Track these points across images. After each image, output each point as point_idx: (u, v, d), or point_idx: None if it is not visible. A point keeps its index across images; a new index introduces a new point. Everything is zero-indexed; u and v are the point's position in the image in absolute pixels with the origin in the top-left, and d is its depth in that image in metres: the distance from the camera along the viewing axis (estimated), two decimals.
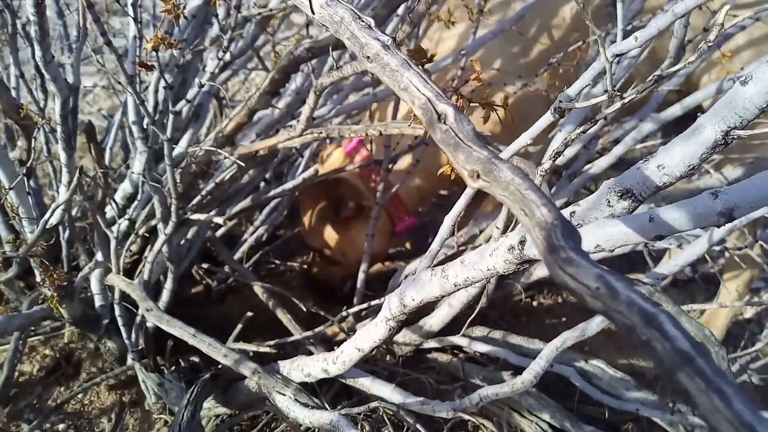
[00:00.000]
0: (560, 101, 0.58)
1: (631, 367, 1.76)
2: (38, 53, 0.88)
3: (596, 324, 1.01)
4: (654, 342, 0.27)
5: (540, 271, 1.54)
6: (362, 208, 1.64)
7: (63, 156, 1.06)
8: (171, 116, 1.02)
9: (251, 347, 1.32)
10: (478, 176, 0.36)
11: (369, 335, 0.88)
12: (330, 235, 1.71)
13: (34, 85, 1.30)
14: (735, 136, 0.48)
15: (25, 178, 0.93)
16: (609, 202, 0.54)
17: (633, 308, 0.28)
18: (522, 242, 0.56)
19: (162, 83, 1.04)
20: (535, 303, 2.01)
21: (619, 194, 0.53)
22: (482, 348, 1.49)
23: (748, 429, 0.24)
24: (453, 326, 1.59)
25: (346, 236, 1.70)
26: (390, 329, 0.83)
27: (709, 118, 0.49)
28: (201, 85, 1.01)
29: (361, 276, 1.58)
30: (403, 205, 1.70)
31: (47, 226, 0.84)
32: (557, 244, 0.32)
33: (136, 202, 1.28)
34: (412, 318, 1.64)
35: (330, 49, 0.95)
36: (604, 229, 0.50)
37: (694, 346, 0.26)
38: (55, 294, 0.94)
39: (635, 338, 0.28)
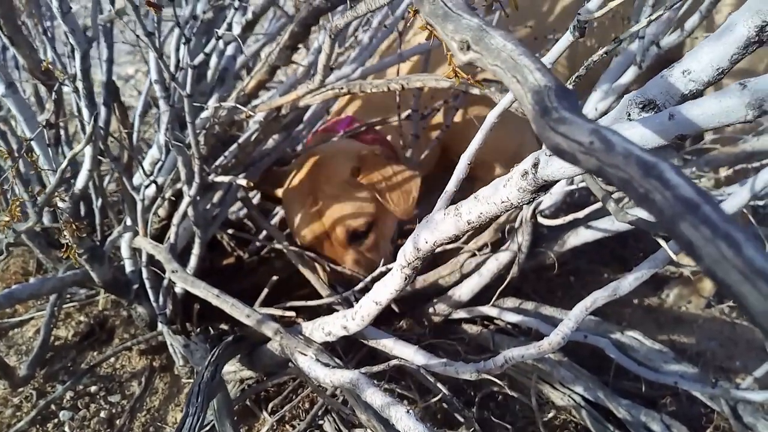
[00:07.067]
0: (579, 14, 0.54)
1: (672, 344, 1.68)
2: (54, 3, 0.88)
3: (629, 283, 0.95)
4: (653, 193, 0.23)
5: (574, 239, 1.48)
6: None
7: (86, 113, 1.07)
8: (190, 71, 1.01)
9: (276, 311, 1.31)
10: (468, 47, 0.33)
11: (385, 287, 0.86)
12: None
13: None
14: None
15: (45, 130, 0.94)
16: (630, 115, 0.49)
17: (630, 159, 0.24)
18: (536, 164, 0.53)
19: (182, 40, 1.03)
20: (572, 278, 1.95)
21: (641, 106, 0.48)
22: (513, 318, 1.45)
23: (760, 275, 0.20)
24: (483, 298, 1.55)
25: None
26: (405, 278, 0.80)
27: (741, 14, 0.44)
28: (218, 37, 1.00)
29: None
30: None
31: (65, 176, 0.84)
32: (549, 105, 0.28)
33: (160, 163, 1.28)
34: (441, 288, 1.61)
35: None
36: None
37: (699, 193, 0.23)
38: (76, 245, 0.95)
39: (632, 193, 0.24)
